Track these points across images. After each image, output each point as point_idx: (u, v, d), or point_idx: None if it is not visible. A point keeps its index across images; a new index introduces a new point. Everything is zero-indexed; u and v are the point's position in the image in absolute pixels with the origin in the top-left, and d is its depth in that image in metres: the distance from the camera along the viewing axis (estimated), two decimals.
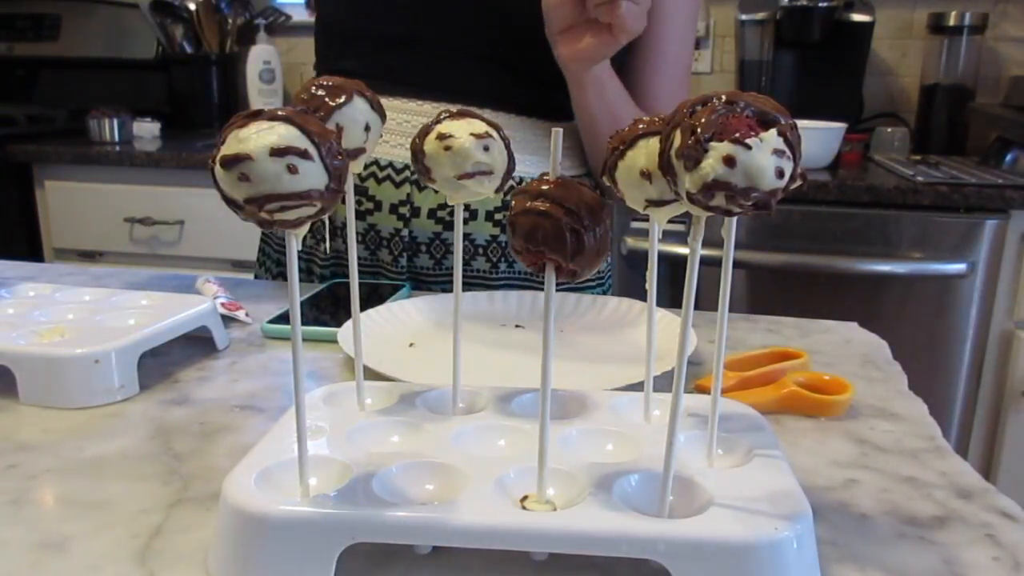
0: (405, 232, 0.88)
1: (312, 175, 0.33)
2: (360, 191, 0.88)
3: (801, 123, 0.35)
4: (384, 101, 0.87)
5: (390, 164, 0.88)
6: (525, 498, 0.38)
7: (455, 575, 0.38)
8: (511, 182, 0.82)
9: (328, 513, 0.36)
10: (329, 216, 0.90)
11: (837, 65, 1.97)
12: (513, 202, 0.37)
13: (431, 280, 0.89)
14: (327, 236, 0.95)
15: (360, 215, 0.89)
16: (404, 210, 0.87)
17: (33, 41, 2.43)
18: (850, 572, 0.39)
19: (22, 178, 2.06)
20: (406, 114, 0.88)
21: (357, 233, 0.89)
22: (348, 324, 0.65)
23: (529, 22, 0.80)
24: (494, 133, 0.43)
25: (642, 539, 0.35)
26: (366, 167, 0.88)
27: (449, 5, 0.86)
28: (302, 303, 0.76)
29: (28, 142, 2.03)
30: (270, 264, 1.00)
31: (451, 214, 0.86)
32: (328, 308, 0.77)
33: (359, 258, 0.89)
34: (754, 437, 0.44)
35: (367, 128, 0.43)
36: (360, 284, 0.48)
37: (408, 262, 0.88)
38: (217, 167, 0.33)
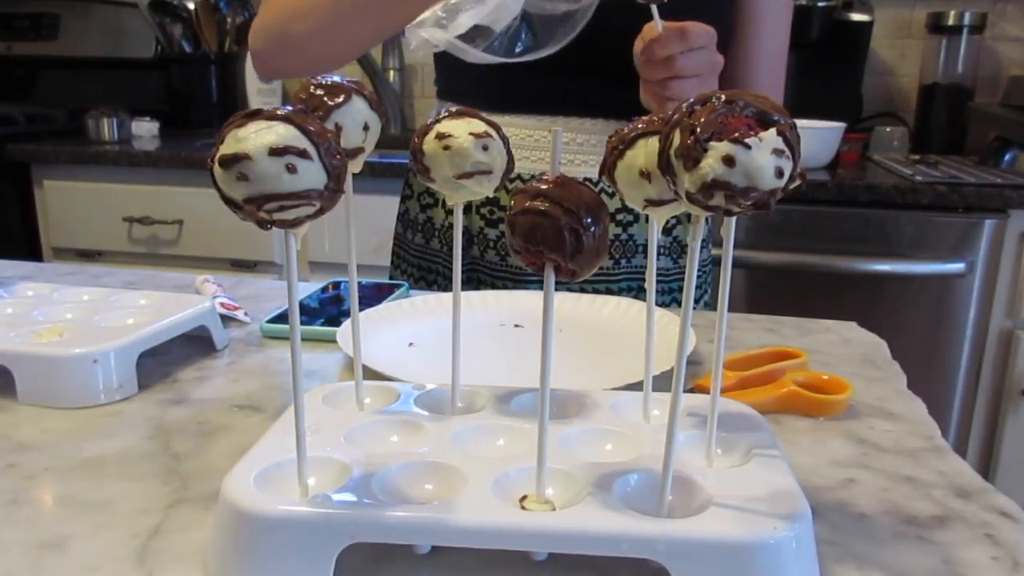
0: None
1: (311, 175, 0.33)
2: (492, 201, 0.91)
3: (800, 123, 0.35)
4: (508, 119, 0.90)
5: (518, 176, 0.91)
6: (524, 498, 0.38)
7: (454, 575, 0.38)
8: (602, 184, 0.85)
9: (327, 513, 0.36)
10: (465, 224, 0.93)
11: (836, 65, 1.97)
12: (512, 202, 0.37)
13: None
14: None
15: (492, 223, 0.92)
16: None
17: (32, 40, 2.43)
18: (849, 571, 0.39)
19: (21, 177, 2.05)
20: (531, 128, 0.91)
21: (489, 240, 0.92)
22: (347, 324, 0.65)
23: (624, 31, 0.78)
24: (493, 132, 0.43)
25: (641, 539, 0.35)
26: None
27: None
28: (301, 303, 0.76)
29: (27, 141, 2.03)
30: (407, 267, 1.01)
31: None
32: (327, 307, 0.77)
33: (489, 264, 0.92)
34: (753, 437, 0.44)
35: (366, 128, 0.43)
36: (360, 284, 0.48)
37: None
38: (216, 167, 0.33)
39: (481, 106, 0.90)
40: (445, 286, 0.95)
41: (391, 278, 1.04)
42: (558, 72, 0.89)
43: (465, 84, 0.95)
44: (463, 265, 0.93)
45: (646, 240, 0.92)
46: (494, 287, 0.91)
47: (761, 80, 0.93)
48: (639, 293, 0.92)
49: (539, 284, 0.90)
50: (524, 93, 0.91)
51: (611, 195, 0.88)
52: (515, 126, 0.91)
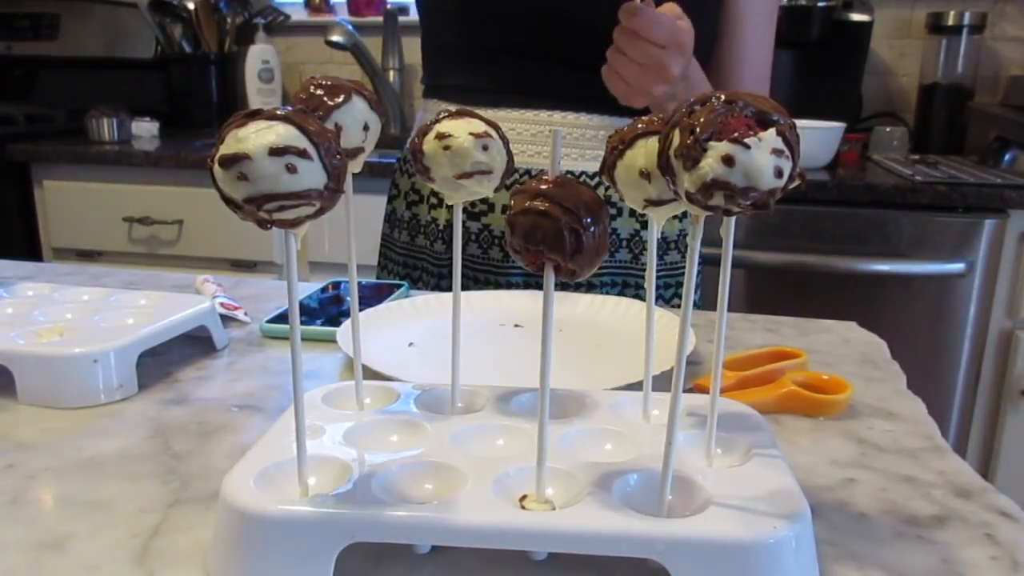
0: None
1: (311, 175, 0.33)
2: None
3: (800, 122, 0.35)
4: (493, 112, 0.89)
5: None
6: (524, 497, 0.38)
7: (454, 575, 0.38)
8: None
9: (327, 513, 0.36)
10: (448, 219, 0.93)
11: (836, 64, 1.97)
12: (512, 202, 0.37)
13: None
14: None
15: (474, 216, 0.92)
16: None
17: (32, 40, 2.43)
18: (849, 571, 0.39)
19: (21, 177, 2.06)
20: (514, 123, 0.90)
21: (471, 233, 0.92)
22: (347, 324, 0.65)
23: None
24: (493, 132, 0.43)
25: (641, 538, 0.35)
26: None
27: (554, 17, 0.87)
28: (301, 303, 0.76)
29: (27, 141, 2.03)
30: (393, 267, 1.01)
31: None
32: (327, 307, 0.77)
33: (471, 257, 0.92)
34: (753, 436, 0.44)
35: (366, 128, 0.43)
36: (360, 284, 0.48)
37: None
38: (216, 167, 0.33)
39: (471, 100, 0.91)
40: (431, 283, 0.95)
41: (377, 279, 1.04)
42: (551, 66, 0.88)
43: (456, 77, 0.94)
44: (444, 259, 0.93)
45: (629, 235, 0.92)
46: (475, 280, 0.91)
47: (745, 85, 0.94)
48: (623, 289, 0.92)
49: (522, 277, 0.90)
50: (516, 87, 0.90)
51: (594, 188, 0.88)
52: (504, 120, 0.90)
